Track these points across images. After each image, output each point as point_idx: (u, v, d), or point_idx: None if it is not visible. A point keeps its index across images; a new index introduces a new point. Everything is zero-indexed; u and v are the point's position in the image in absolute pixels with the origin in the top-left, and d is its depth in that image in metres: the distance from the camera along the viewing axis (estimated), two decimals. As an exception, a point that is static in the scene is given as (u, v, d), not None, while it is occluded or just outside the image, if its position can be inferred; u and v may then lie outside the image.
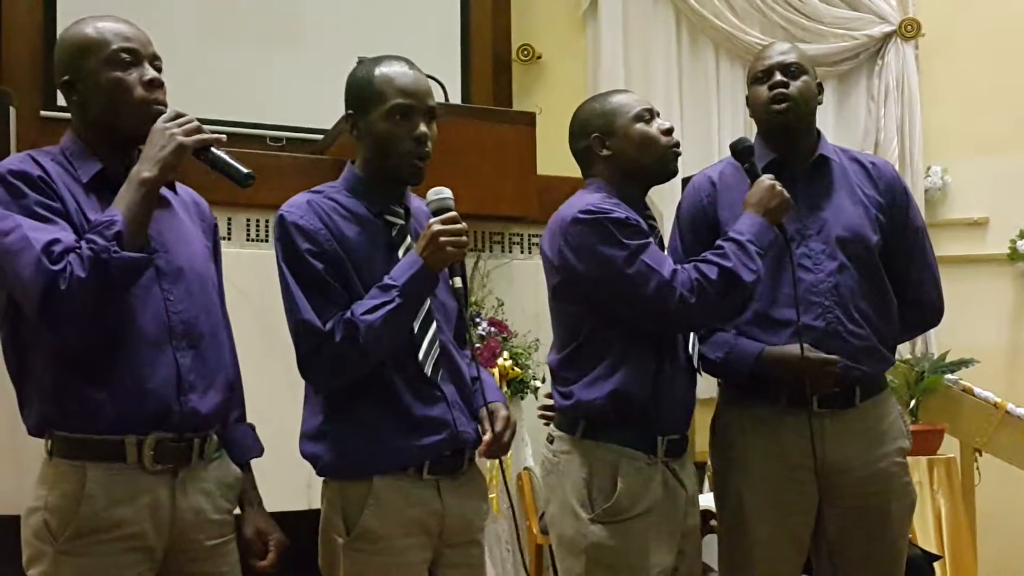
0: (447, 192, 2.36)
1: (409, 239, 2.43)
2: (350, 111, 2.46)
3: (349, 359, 2.29)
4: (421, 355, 2.38)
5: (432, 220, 2.33)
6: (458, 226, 2.32)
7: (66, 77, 2.22)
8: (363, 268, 2.36)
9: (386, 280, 2.32)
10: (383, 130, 2.40)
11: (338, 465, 2.38)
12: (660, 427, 2.66)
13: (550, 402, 2.80)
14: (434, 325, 2.41)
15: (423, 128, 2.39)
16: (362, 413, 2.36)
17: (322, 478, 2.44)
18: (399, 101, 2.39)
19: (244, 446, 2.42)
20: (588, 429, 2.65)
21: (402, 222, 2.45)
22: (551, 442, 2.73)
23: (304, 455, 2.42)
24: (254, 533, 2.37)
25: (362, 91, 2.44)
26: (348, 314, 2.29)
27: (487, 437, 2.41)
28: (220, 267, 2.46)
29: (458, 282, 2.36)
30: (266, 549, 2.37)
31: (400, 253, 2.41)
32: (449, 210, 2.34)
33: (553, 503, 2.69)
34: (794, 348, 2.70)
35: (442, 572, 2.44)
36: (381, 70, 2.43)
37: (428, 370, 2.39)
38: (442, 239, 2.30)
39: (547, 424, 2.80)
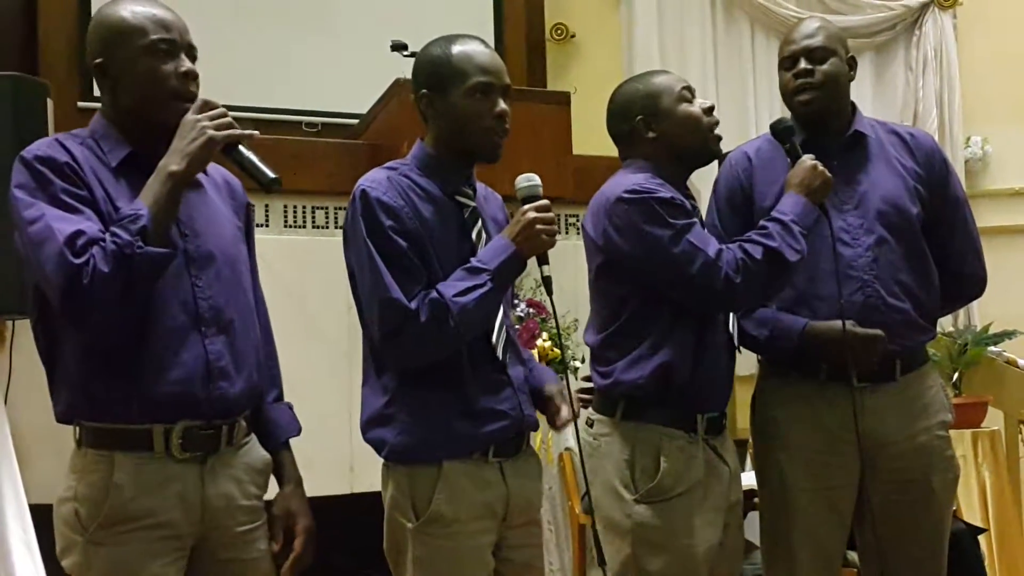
0: (537, 179, 2.36)
1: (481, 222, 2.42)
2: (424, 90, 2.41)
3: (435, 339, 2.27)
4: (494, 339, 2.39)
5: (526, 207, 2.33)
6: (551, 215, 2.33)
7: (99, 60, 2.16)
8: (438, 248, 2.34)
9: (474, 263, 2.31)
10: (465, 107, 2.37)
11: (406, 450, 2.35)
12: (700, 405, 2.66)
13: (589, 385, 2.80)
14: (501, 310, 2.41)
15: (503, 105, 2.38)
16: (429, 396, 2.34)
17: (384, 461, 2.40)
18: (480, 79, 2.36)
19: (282, 425, 2.36)
20: (627, 410, 2.65)
21: (473, 204, 2.44)
22: (591, 425, 2.73)
23: (368, 439, 2.39)
24: (283, 513, 2.29)
25: (439, 69, 2.39)
26: (435, 294, 2.27)
27: (564, 412, 2.42)
28: (253, 246, 2.40)
29: (547, 270, 2.35)
30: (291, 533, 2.28)
31: (473, 236, 2.39)
32: (540, 197, 2.34)
33: (596, 486, 2.68)
34: (837, 324, 2.69)
35: (506, 553, 2.43)
36: (459, 48, 2.40)
37: (500, 354, 2.39)
38: (538, 227, 2.30)
39: (585, 407, 2.79)
